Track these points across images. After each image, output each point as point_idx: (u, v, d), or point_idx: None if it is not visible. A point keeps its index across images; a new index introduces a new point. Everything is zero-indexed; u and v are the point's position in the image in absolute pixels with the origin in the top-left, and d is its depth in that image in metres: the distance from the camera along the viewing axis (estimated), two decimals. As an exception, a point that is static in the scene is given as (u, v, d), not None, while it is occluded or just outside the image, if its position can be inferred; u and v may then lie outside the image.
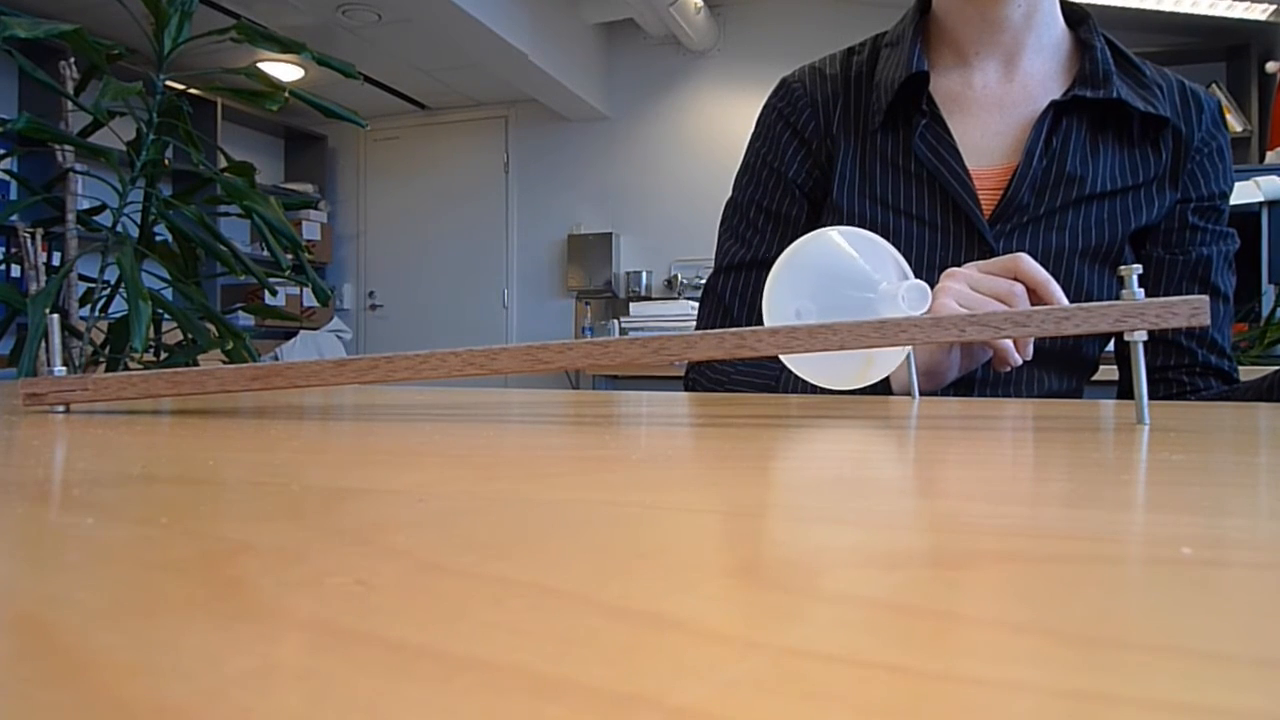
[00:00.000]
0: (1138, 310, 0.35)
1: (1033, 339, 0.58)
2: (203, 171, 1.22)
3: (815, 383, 0.49)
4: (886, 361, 0.48)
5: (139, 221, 1.25)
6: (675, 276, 4.49)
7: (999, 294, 0.56)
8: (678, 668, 0.09)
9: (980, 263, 0.59)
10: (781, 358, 0.45)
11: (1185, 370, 0.75)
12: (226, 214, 1.43)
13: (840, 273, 0.46)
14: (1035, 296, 0.56)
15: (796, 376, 0.71)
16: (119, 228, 1.23)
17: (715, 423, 0.38)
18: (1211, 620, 0.10)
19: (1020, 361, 0.56)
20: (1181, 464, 0.24)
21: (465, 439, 0.32)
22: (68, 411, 0.42)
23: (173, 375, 0.41)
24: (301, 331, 4.32)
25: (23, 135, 1.09)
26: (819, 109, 0.78)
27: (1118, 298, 0.35)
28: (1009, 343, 0.56)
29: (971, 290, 0.56)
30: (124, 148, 1.23)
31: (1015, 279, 0.56)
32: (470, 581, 0.12)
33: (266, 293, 1.41)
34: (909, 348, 0.48)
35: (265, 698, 0.08)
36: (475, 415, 0.42)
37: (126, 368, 1.24)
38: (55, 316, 0.44)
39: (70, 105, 1.26)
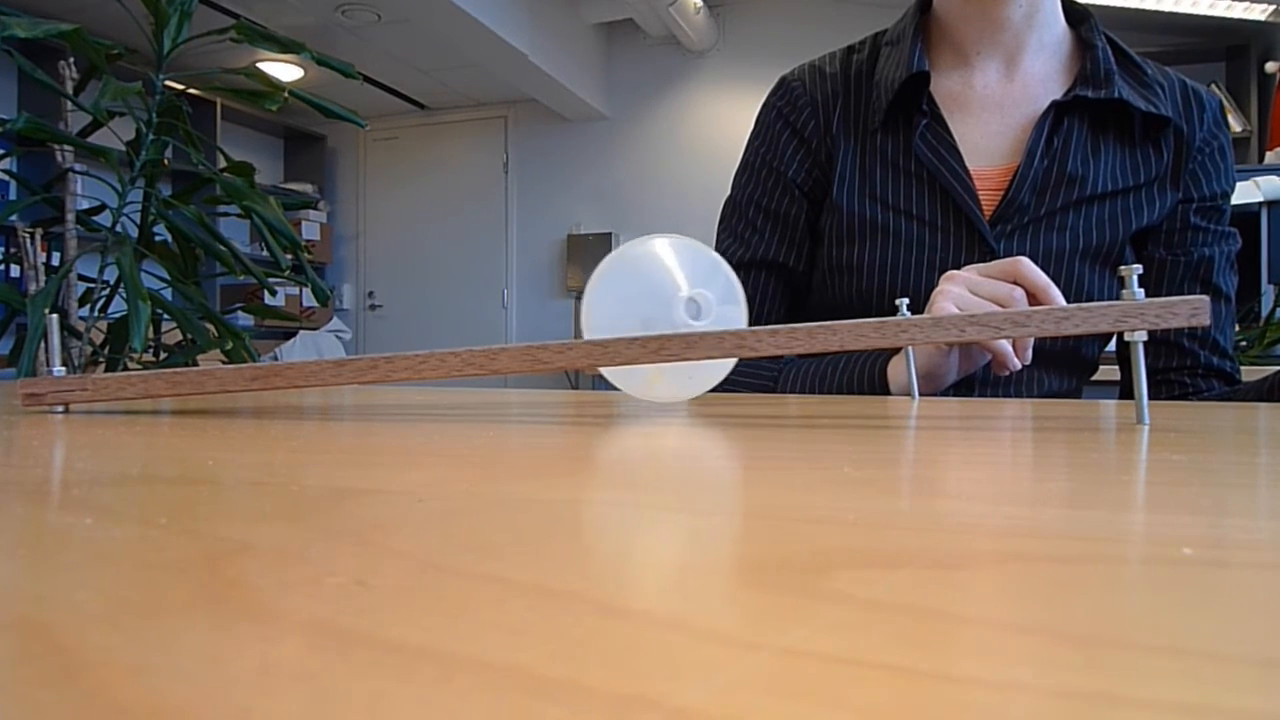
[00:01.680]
0: (1138, 310, 0.35)
1: (1032, 342, 0.58)
2: (202, 171, 1.22)
3: (629, 392, 0.47)
4: (707, 377, 0.46)
5: (138, 221, 1.25)
6: (675, 277, 4.49)
7: (998, 298, 0.56)
8: (678, 668, 0.09)
9: (980, 265, 0.59)
10: (602, 370, 0.43)
11: (1187, 372, 0.75)
12: (226, 214, 1.43)
13: (661, 283, 0.45)
14: (1035, 300, 0.55)
15: (795, 378, 0.71)
16: (118, 228, 1.23)
17: (714, 423, 0.38)
18: (1212, 620, 0.10)
19: (1019, 365, 0.56)
20: (1182, 464, 0.24)
21: (465, 439, 0.32)
22: (67, 411, 0.42)
23: (172, 375, 0.41)
24: (301, 331, 4.32)
25: (22, 135, 1.09)
26: (819, 108, 0.77)
27: (1118, 299, 0.35)
28: (1008, 346, 0.55)
29: (970, 293, 0.56)
30: (124, 148, 1.23)
31: (1015, 283, 0.56)
32: (470, 581, 0.12)
33: (266, 293, 1.41)
34: (734, 362, 0.46)
35: (265, 698, 0.08)
36: (475, 415, 0.42)
37: (126, 368, 1.24)
38: (55, 316, 0.44)
39: (70, 105, 1.26)
